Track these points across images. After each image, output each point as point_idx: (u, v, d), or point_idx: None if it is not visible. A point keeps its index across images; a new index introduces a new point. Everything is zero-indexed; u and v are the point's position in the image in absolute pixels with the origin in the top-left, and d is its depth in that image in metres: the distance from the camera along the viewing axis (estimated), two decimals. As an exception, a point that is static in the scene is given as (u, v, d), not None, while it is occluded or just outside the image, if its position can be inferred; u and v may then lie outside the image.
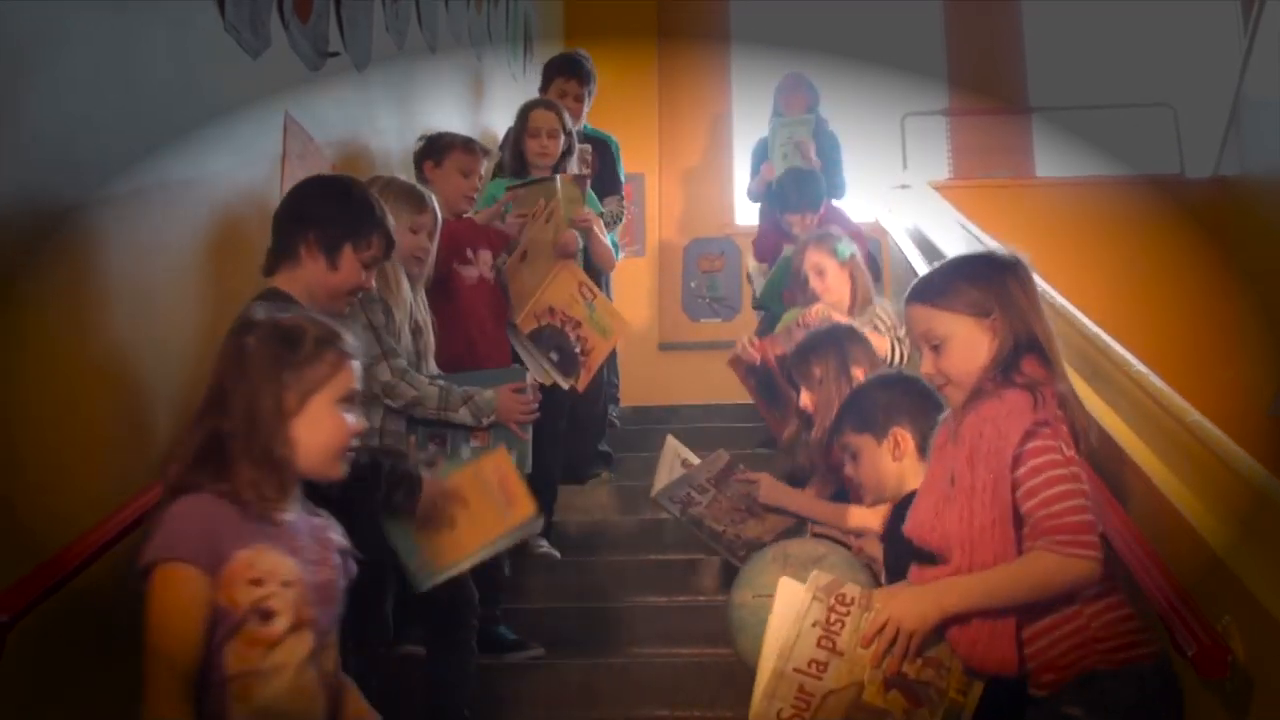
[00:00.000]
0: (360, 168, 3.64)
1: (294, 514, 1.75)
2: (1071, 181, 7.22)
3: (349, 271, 2.36)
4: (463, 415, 2.82)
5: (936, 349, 2.00)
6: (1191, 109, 7.31)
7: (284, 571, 1.67)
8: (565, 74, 4.72)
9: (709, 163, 7.68)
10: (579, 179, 4.07)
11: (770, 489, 2.92)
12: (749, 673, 3.27)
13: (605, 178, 4.66)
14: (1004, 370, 1.93)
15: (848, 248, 3.76)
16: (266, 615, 1.63)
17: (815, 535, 2.76)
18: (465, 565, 2.56)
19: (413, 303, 2.91)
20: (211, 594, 1.61)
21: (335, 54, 3.42)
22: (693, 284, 7.54)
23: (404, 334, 2.85)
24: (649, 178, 7.47)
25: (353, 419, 1.81)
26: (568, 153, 4.18)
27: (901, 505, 2.22)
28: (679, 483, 2.98)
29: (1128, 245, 6.64)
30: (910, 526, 2.00)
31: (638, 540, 4.27)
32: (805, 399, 2.94)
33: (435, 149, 3.53)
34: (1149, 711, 1.89)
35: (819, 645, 1.87)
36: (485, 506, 2.57)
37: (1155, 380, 2.53)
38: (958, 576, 1.88)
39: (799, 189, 4.63)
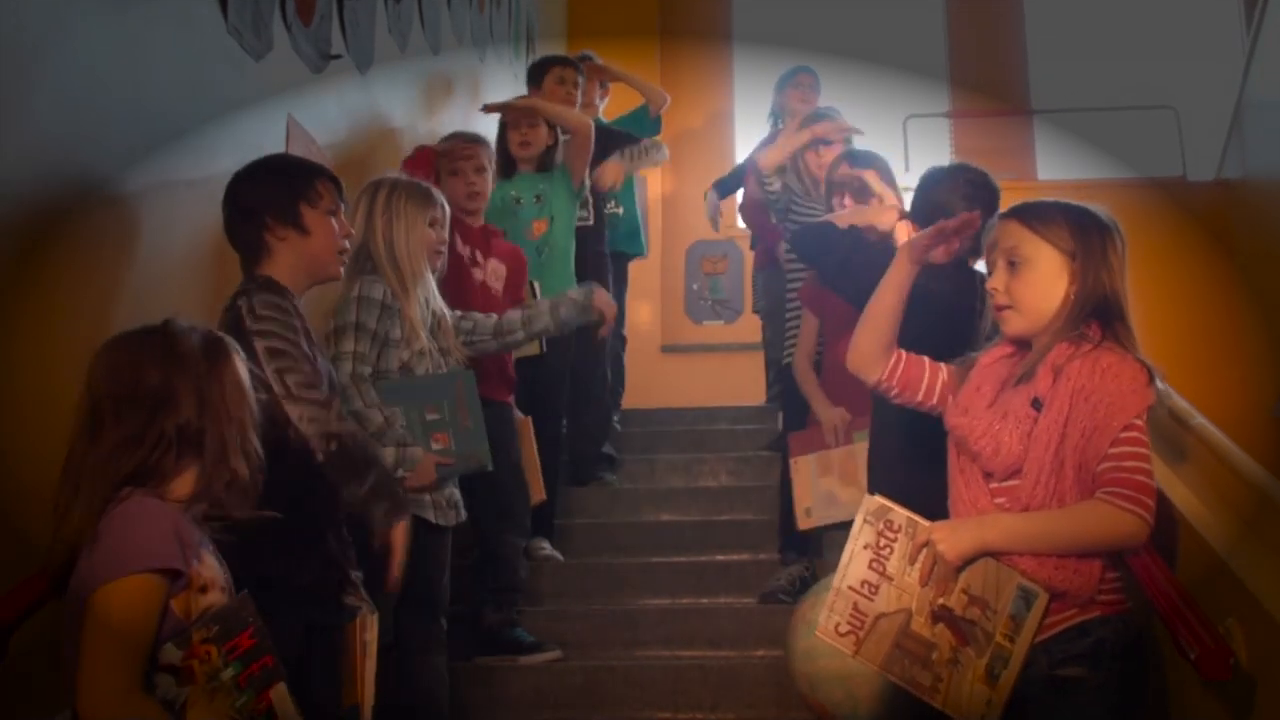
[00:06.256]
0: (363, 170, 3.65)
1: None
2: (1074, 184, 7.19)
3: (320, 229, 2.35)
4: (387, 455, 2.70)
5: (1014, 267, 2.02)
6: (1194, 112, 7.30)
7: (220, 578, 1.65)
8: (560, 63, 4.65)
9: (711, 163, 7.67)
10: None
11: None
12: (752, 675, 3.30)
13: (611, 142, 4.58)
14: (1106, 325, 1.96)
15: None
16: None
17: None
18: None
19: (430, 296, 2.91)
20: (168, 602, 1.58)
21: (338, 56, 3.42)
22: (695, 286, 7.54)
23: (419, 332, 2.84)
24: (651, 178, 7.47)
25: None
26: (553, 147, 4.14)
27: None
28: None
29: (1130, 248, 6.62)
30: (961, 423, 2.02)
31: (641, 543, 4.27)
32: None
33: (438, 167, 3.59)
34: (1137, 658, 1.93)
35: (870, 568, 1.95)
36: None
37: (1157, 382, 2.52)
38: (1005, 514, 1.94)
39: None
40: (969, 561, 1.90)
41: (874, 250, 2.63)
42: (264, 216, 2.33)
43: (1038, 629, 1.89)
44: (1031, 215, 2.04)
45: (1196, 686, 2.00)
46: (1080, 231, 2.00)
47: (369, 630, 2.34)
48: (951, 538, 1.91)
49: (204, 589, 1.61)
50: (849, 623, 1.93)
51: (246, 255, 2.37)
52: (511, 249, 3.70)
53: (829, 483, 3.22)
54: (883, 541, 1.96)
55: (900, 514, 1.97)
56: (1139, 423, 1.90)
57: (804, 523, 3.32)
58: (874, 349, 2.14)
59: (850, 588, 1.95)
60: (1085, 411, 1.90)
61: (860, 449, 3.12)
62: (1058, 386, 1.94)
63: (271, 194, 2.34)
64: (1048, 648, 1.89)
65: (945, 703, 1.88)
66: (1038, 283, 2.00)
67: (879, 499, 2.00)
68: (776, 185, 4.08)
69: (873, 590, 1.94)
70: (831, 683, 2.34)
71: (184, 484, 1.70)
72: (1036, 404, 1.95)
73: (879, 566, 1.95)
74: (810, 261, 3.07)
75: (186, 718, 1.54)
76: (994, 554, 1.91)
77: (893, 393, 2.16)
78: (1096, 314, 1.97)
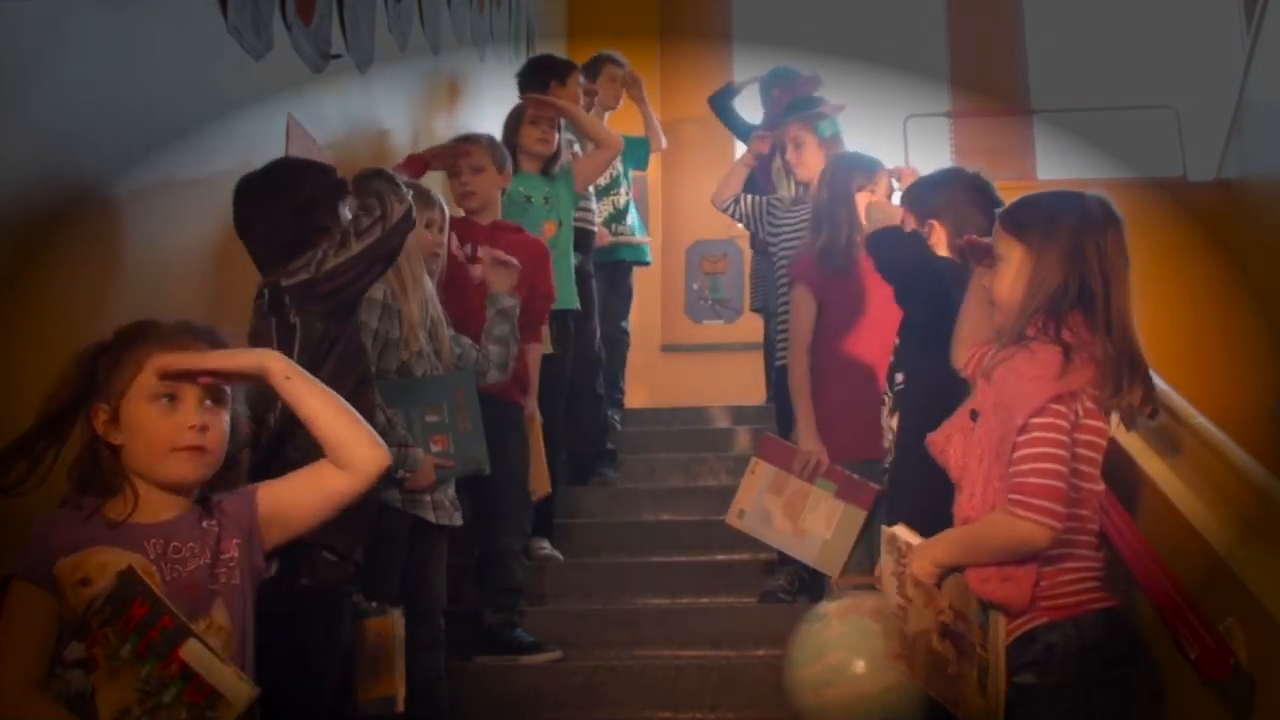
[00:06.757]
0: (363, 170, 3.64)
1: (165, 514, 1.70)
2: (1074, 184, 7.18)
3: None
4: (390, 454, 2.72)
5: (996, 265, 2.02)
6: (1194, 111, 7.30)
7: (118, 564, 1.62)
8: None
9: (711, 163, 7.67)
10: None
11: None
12: (752, 675, 3.30)
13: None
14: (1049, 317, 1.91)
15: (830, 127, 3.69)
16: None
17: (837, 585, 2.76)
18: None
19: (428, 299, 2.91)
20: (57, 605, 1.60)
21: (338, 56, 3.42)
22: (695, 285, 7.54)
23: (418, 333, 2.84)
24: (651, 178, 7.46)
25: (184, 414, 1.68)
26: (557, 154, 4.16)
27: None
28: None
29: (1130, 248, 6.62)
30: (929, 440, 2.06)
31: (641, 542, 4.27)
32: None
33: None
34: (1096, 656, 1.89)
35: (898, 593, 2.01)
36: (361, 668, 2.46)
37: (1158, 382, 2.52)
38: (950, 530, 1.97)
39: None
40: (940, 578, 1.92)
41: (946, 266, 2.53)
42: (325, 223, 2.32)
43: (1003, 637, 1.88)
44: (1006, 213, 2.04)
45: (1196, 686, 2.00)
46: (1044, 225, 1.96)
47: (399, 626, 2.49)
48: (917, 558, 1.95)
49: (85, 581, 1.60)
50: (901, 645, 2.00)
51: (282, 257, 2.31)
52: (523, 242, 3.60)
53: (773, 503, 3.15)
54: (899, 567, 1.99)
55: (903, 539, 1.99)
56: (1040, 420, 1.84)
57: (731, 520, 3.24)
58: (971, 343, 2.15)
59: (894, 614, 2.01)
60: (1000, 419, 1.88)
61: (817, 496, 3.09)
62: (986, 396, 1.94)
63: (325, 193, 2.36)
64: (1010, 656, 1.89)
65: (964, 715, 1.91)
66: (1004, 279, 1.99)
67: (891, 529, 2.03)
68: (734, 211, 4.10)
69: (904, 614, 1.99)
70: (807, 715, 2.35)
71: (124, 497, 1.69)
72: (974, 415, 1.96)
73: (902, 592, 1.99)
74: (899, 276, 2.68)
75: (96, 704, 1.55)
76: (952, 568, 1.92)
77: (964, 374, 2.18)
78: (1047, 309, 1.92)
